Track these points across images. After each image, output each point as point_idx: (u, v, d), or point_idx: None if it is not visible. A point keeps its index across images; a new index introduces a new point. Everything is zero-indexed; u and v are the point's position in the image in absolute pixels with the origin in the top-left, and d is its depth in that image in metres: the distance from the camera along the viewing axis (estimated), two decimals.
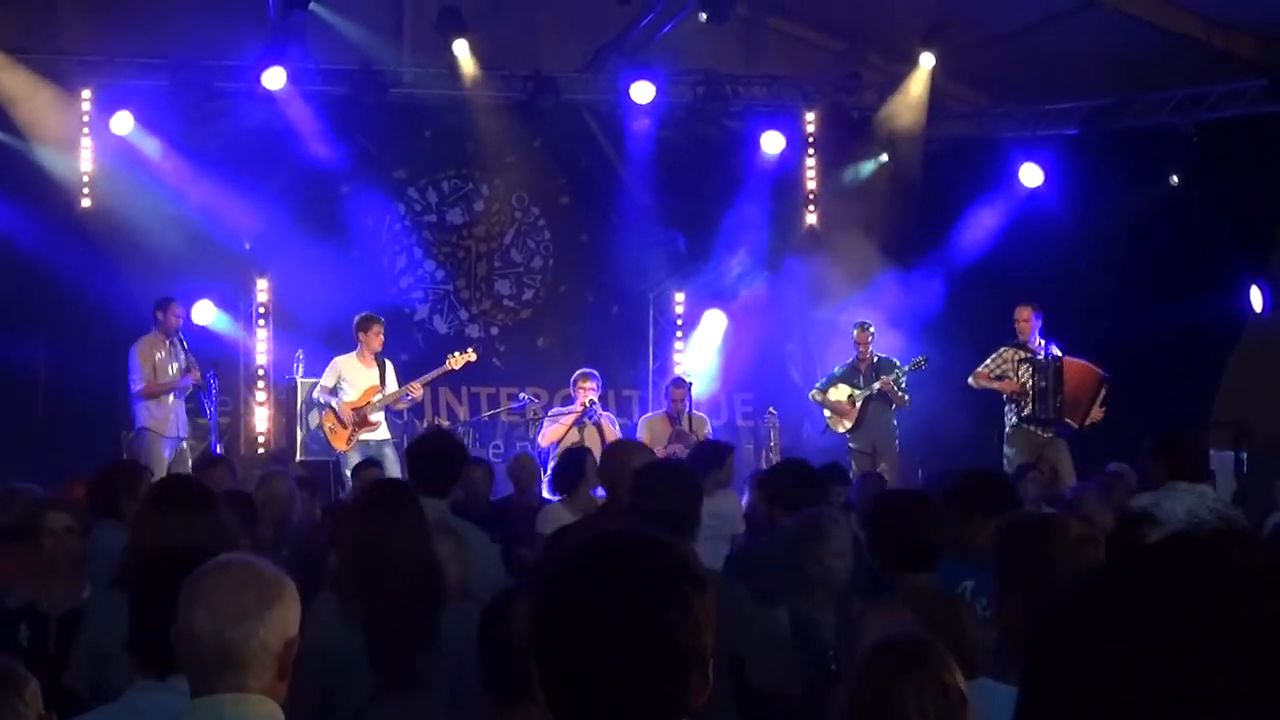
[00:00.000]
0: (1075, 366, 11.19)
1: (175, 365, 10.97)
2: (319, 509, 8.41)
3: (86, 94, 12.68)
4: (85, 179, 12.70)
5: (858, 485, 9.12)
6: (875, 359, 11.93)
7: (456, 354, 11.57)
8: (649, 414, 12.31)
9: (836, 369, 12.15)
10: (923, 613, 4.13)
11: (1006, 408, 11.34)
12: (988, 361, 11.38)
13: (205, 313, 12.68)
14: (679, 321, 14.45)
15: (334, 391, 11.14)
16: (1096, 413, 11.12)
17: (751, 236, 14.12)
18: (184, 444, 11.10)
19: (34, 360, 12.54)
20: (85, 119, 12.67)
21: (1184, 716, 0.95)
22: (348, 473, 10.82)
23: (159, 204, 12.50)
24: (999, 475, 6.47)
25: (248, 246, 12.95)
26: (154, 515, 4.41)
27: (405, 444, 9.01)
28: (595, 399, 11.36)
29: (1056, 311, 11.85)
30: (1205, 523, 5.69)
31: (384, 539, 4.16)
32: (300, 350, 12.55)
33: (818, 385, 12.26)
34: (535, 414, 12.37)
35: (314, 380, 11.66)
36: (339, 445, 11.15)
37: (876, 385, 11.72)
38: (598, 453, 7.59)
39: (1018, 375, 11.20)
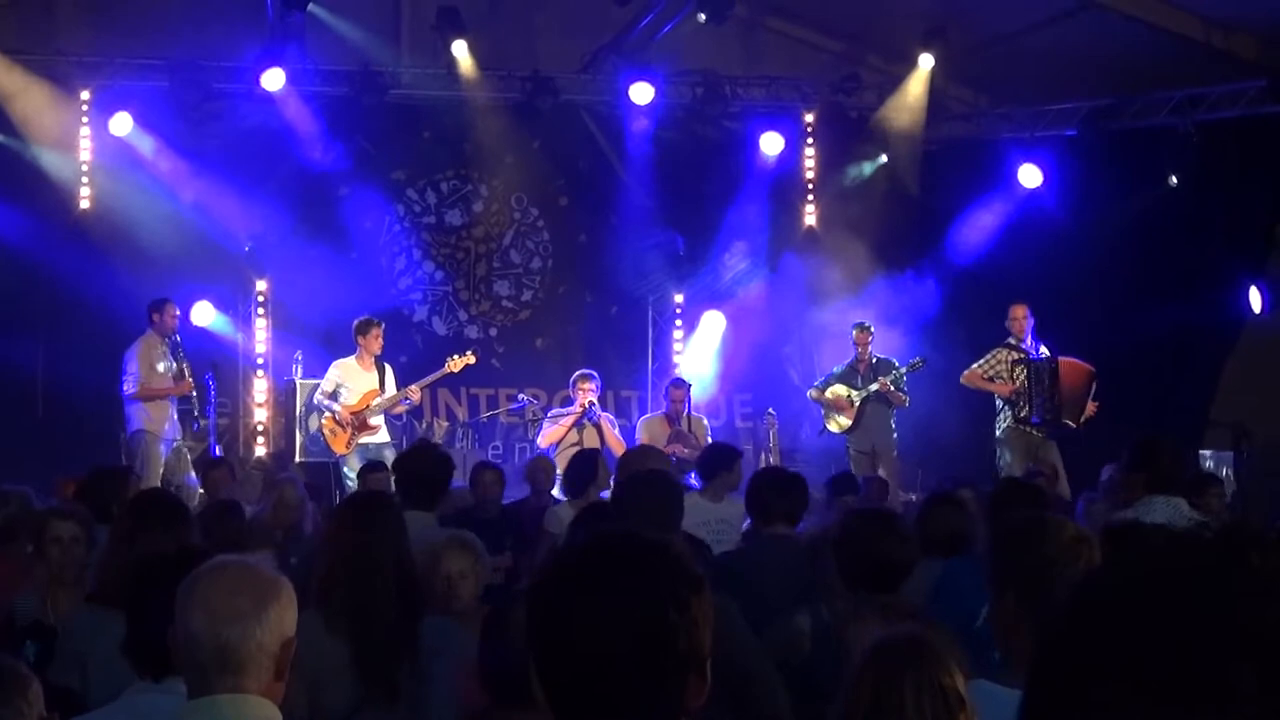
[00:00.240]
0: (1067, 365, 11.20)
1: (170, 366, 10.96)
2: (321, 515, 8.40)
3: (85, 95, 12.68)
4: (84, 180, 12.70)
5: (862, 489, 9.11)
6: (874, 360, 11.93)
7: (456, 356, 11.57)
8: (648, 415, 12.31)
9: (835, 369, 12.15)
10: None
11: (1001, 411, 11.34)
12: (980, 362, 11.38)
13: (204, 314, 12.67)
14: (678, 322, 14.45)
15: (334, 395, 11.14)
16: (1090, 408, 11.14)
17: (750, 237, 14.13)
18: (182, 445, 11.10)
19: (33, 361, 12.54)
20: (84, 120, 12.67)
21: (1187, 718, 0.95)
22: (347, 475, 10.83)
23: (158, 205, 12.50)
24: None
25: (247, 248, 12.94)
26: (128, 533, 4.44)
27: (405, 447, 9.03)
28: (594, 400, 11.36)
29: (1055, 312, 11.86)
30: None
31: (365, 552, 4.16)
32: (299, 351, 12.56)
33: (816, 384, 12.26)
34: (534, 415, 12.37)
35: (313, 381, 11.66)
36: (338, 449, 11.15)
37: (874, 386, 11.72)
38: None
39: (1012, 377, 11.20)
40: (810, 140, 14.41)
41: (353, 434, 11.09)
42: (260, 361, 13.28)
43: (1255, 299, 12.42)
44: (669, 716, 1.72)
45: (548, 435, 11.51)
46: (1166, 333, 12.47)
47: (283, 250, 12.87)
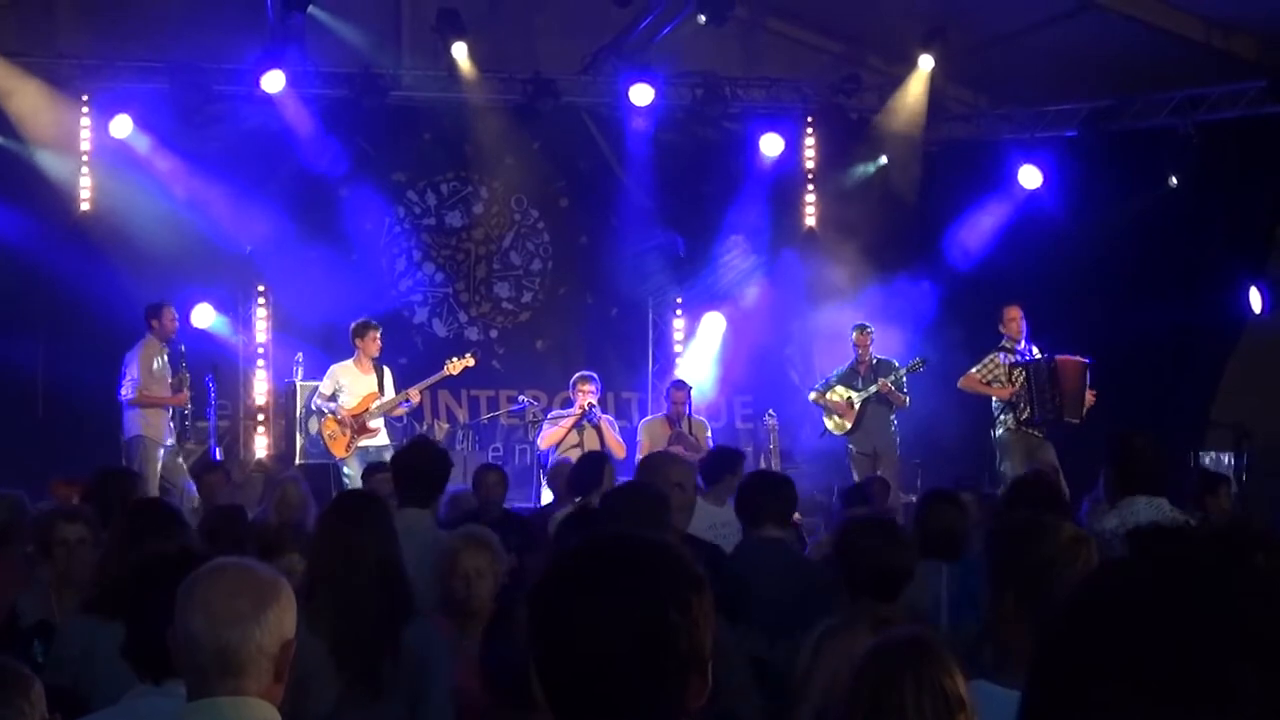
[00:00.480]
0: (1062, 362, 11.20)
1: (167, 371, 10.97)
2: None
3: (85, 97, 12.68)
4: (84, 182, 12.70)
5: (865, 488, 9.10)
6: (874, 361, 11.92)
7: (455, 359, 11.57)
8: (649, 417, 12.30)
9: (836, 371, 12.15)
10: None
11: (999, 414, 11.32)
12: (978, 367, 11.38)
13: (204, 316, 12.67)
14: (678, 324, 14.44)
15: (332, 398, 11.14)
16: (1089, 397, 11.14)
17: (751, 238, 14.14)
18: (179, 450, 11.10)
19: (33, 363, 12.54)
20: (84, 122, 12.68)
21: (1188, 718, 0.95)
22: (347, 478, 10.83)
23: (158, 207, 12.51)
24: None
25: (248, 250, 12.95)
26: (124, 541, 4.44)
27: None
28: (595, 401, 11.35)
29: (1056, 313, 11.87)
30: None
31: (350, 549, 4.15)
32: (300, 354, 12.56)
33: (816, 387, 12.26)
34: (534, 417, 12.36)
35: (314, 383, 11.66)
36: (338, 452, 11.15)
37: (874, 387, 11.72)
38: None
39: (1011, 380, 11.19)
40: (810, 141, 14.40)
41: (352, 437, 11.09)
42: (260, 364, 13.28)
43: (1256, 299, 12.41)
44: (670, 717, 1.72)
45: (547, 437, 11.50)
46: (1167, 333, 12.47)
47: (283, 252, 12.87)
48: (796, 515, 7.52)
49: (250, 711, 2.54)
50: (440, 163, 14.22)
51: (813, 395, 12.24)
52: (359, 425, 11.10)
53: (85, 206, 12.69)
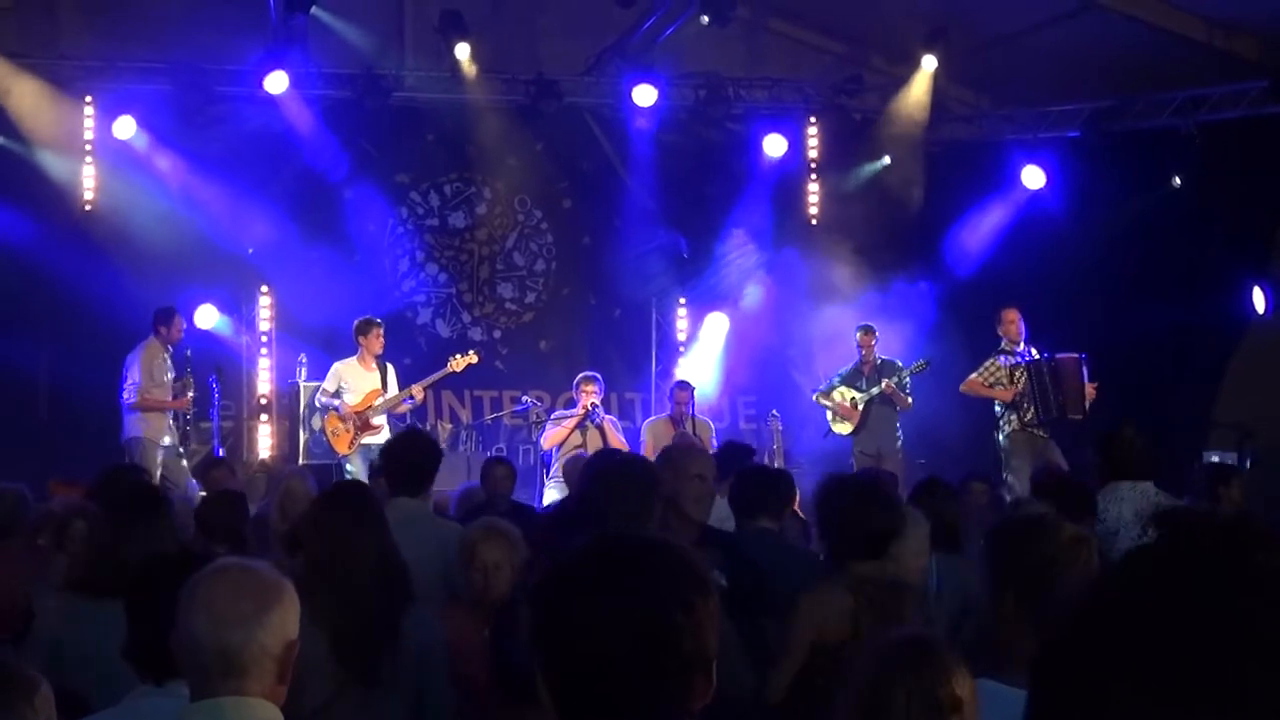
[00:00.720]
0: (1060, 359, 11.20)
1: (171, 375, 10.98)
2: None
3: (89, 99, 12.69)
4: (87, 183, 12.71)
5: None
6: (878, 361, 11.92)
7: (458, 356, 11.58)
8: (652, 417, 12.30)
9: (839, 372, 12.14)
10: (864, 599, 4.13)
11: (1002, 417, 11.31)
12: (979, 371, 11.38)
13: (207, 317, 12.68)
14: (681, 324, 14.44)
15: (336, 395, 11.15)
16: (1090, 391, 11.13)
17: (753, 239, 14.14)
18: (180, 453, 11.11)
19: (36, 364, 12.56)
20: (87, 123, 12.68)
21: (1189, 718, 0.95)
22: (349, 475, 10.82)
23: (161, 208, 12.52)
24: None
25: (250, 251, 12.95)
26: (108, 524, 4.45)
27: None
28: (598, 402, 11.35)
29: (1059, 313, 11.85)
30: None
31: (346, 540, 4.15)
32: (303, 354, 12.57)
33: (820, 388, 12.26)
34: (538, 417, 12.36)
35: (316, 384, 11.66)
36: (341, 449, 11.16)
37: (878, 388, 11.71)
38: None
39: (1012, 381, 11.18)
40: (813, 142, 14.39)
41: (355, 434, 11.10)
42: (264, 365, 13.28)
43: (1259, 300, 12.40)
44: (672, 717, 1.72)
45: (550, 437, 11.51)
46: (1169, 333, 12.45)
47: (286, 253, 12.88)
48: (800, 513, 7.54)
49: (253, 712, 2.54)
50: (443, 163, 14.23)
51: (817, 397, 12.24)
52: (362, 422, 11.11)
53: (88, 207, 12.69)
